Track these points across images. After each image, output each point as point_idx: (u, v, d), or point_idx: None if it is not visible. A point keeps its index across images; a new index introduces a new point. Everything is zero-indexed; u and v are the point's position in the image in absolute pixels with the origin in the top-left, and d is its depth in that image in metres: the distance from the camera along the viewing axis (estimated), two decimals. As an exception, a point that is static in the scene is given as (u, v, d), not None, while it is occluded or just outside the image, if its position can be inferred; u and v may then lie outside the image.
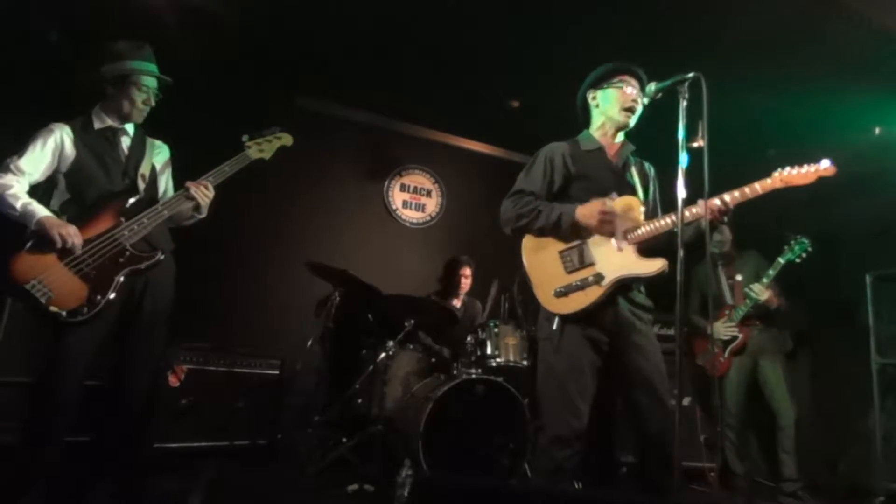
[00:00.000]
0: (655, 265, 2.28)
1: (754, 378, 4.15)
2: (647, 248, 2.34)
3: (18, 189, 2.36)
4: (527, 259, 2.46)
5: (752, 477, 4.23)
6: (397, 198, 5.55)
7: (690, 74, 2.13)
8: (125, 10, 3.76)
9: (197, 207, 2.68)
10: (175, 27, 3.91)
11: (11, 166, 2.38)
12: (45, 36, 3.95)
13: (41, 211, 2.34)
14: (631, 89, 2.49)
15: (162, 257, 2.51)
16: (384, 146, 5.53)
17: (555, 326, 2.34)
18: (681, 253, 2.04)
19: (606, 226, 2.31)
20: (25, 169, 2.40)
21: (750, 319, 4.13)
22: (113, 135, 2.62)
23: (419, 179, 5.68)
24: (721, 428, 4.17)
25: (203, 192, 2.61)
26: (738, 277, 4.27)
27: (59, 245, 2.27)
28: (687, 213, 2.22)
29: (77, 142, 2.50)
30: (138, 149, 2.69)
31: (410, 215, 5.57)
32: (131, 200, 2.52)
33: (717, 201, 2.23)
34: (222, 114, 4.54)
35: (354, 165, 5.41)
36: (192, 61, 4.01)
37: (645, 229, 2.32)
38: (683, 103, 2.14)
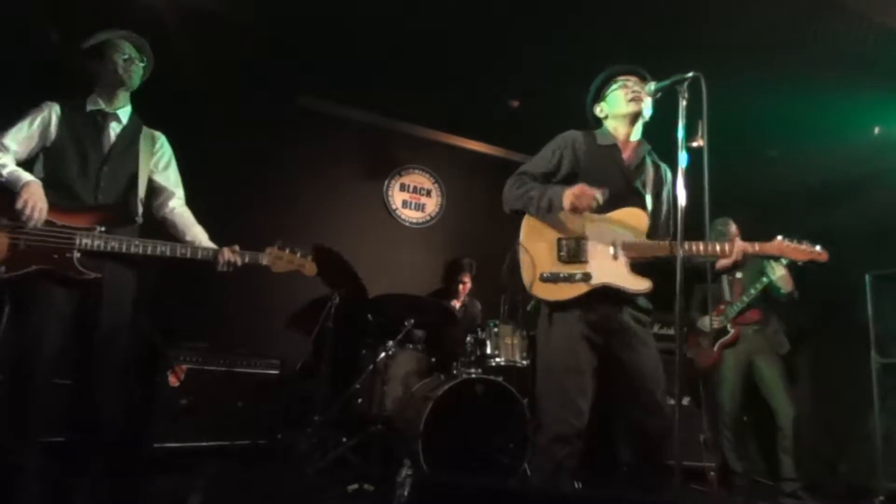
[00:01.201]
0: (642, 284, 2.30)
1: (751, 378, 4.15)
2: (642, 263, 2.35)
3: (5, 160, 2.32)
4: (524, 237, 2.43)
5: (751, 476, 4.23)
6: (397, 197, 5.55)
7: (690, 74, 2.12)
8: (126, 11, 3.76)
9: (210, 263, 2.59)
10: (176, 28, 3.92)
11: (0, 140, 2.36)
12: (45, 37, 3.95)
13: (29, 176, 2.30)
14: (630, 83, 2.47)
15: (97, 277, 2.36)
16: (384, 146, 5.53)
17: (541, 316, 2.39)
18: (680, 253, 2.05)
19: (578, 206, 2.26)
20: (9, 146, 2.36)
21: (743, 316, 4.12)
22: (103, 118, 2.55)
23: (419, 179, 5.68)
24: (721, 427, 4.16)
25: (230, 260, 2.57)
26: (738, 275, 4.27)
27: (20, 207, 2.21)
28: (688, 248, 2.27)
29: (63, 121, 2.45)
30: (126, 138, 2.58)
31: (410, 215, 5.57)
32: (120, 216, 2.48)
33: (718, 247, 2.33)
34: (223, 114, 4.56)
35: (354, 165, 5.41)
36: (193, 61, 4.03)
37: (643, 248, 2.32)
38: (683, 103, 2.14)
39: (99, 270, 2.38)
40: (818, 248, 2.38)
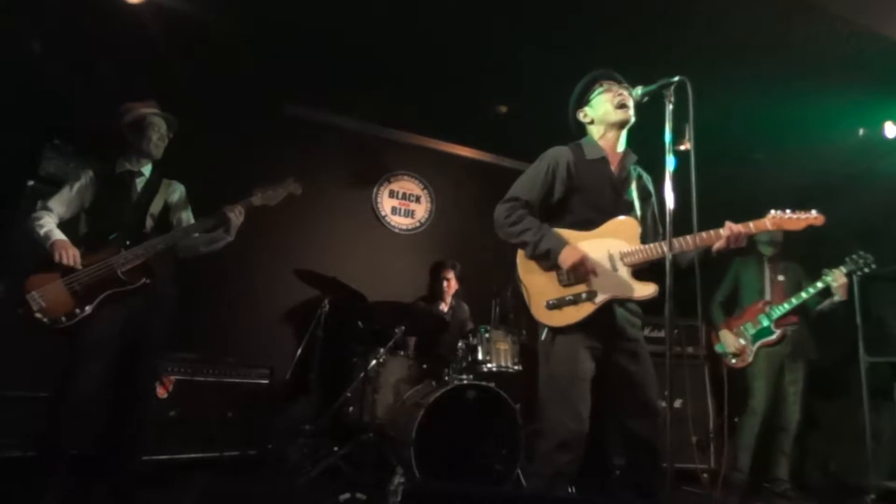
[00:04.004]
0: (648, 289, 2.30)
1: (780, 377, 4.15)
2: (641, 268, 2.35)
3: (46, 220, 2.78)
4: (521, 268, 2.45)
5: (750, 477, 4.23)
6: (386, 204, 5.53)
7: (676, 78, 2.14)
8: (114, 21, 3.74)
9: (227, 230, 3.03)
10: (164, 38, 3.90)
11: (46, 204, 2.84)
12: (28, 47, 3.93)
13: (56, 235, 2.74)
14: (615, 88, 2.49)
15: (146, 282, 2.80)
16: (372, 152, 5.52)
17: (543, 336, 2.36)
18: (669, 256, 2.05)
19: (579, 276, 2.32)
20: (54, 208, 2.84)
21: (786, 318, 4.11)
22: (130, 177, 2.99)
23: (408, 185, 5.67)
24: (747, 429, 4.14)
25: (237, 212, 2.99)
26: (781, 278, 4.26)
27: (56, 260, 2.63)
28: (680, 244, 2.27)
29: (98, 184, 2.92)
30: (150, 188, 3.03)
31: (399, 222, 5.55)
32: (133, 234, 2.85)
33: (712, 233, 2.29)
34: (211, 122, 4.54)
35: (342, 172, 5.39)
36: (181, 70, 4.01)
37: (641, 254, 2.33)
38: (669, 107, 2.15)
39: (141, 276, 2.79)
40: (813, 212, 2.34)
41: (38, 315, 2.58)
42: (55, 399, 2.63)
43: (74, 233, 2.84)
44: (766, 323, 4.15)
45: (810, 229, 2.37)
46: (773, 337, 4.12)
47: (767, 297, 4.26)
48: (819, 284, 3.98)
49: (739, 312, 4.32)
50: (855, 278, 4.02)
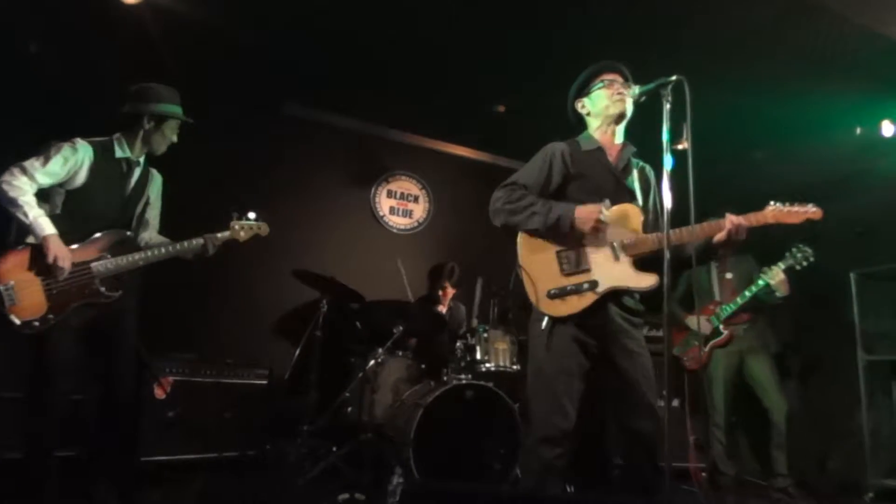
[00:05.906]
0: (648, 280, 2.30)
1: (742, 376, 4.16)
2: (642, 258, 2.35)
3: (31, 197, 2.50)
4: (523, 255, 2.41)
5: (741, 476, 4.24)
6: (384, 204, 5.53)
7: (673, 77, 2.14)
8: (110, 17, 3.74)
9: (196, 258, 2.92)
10: (162, 36, 3.89)
11: (31, 172, 2.51)
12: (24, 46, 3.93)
13: (50, 228, 2.48)
14: (616, 84, 2.48)
15: (118, 294, 2.66)
16: (370, 152, 5.51)
17: (543, 326, 2.32)
18: (667, 254, 2.05)
19: (597, 233, 2.32)
20: (40, 180, 2.53)
21: (736, 317, 4.13)
22: (128, 167, 2.81)
23: (406, 185, 5.67)
24: (712, 428, 4.17)
25: (216, 244, 2.93)
26: (728, 276, 4.28)
27: (49, 261, 2.44)
28: (680, 235, 2.27)
29: (94, 166, 2.66)
30: (142, 183, 2.88)
31: (398, 221, 5.55)
32: (118, 237, 2.73)
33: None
34: (209, 121, 4.52)
35: (341, 172, 5.39)
36: (179, 70, 4.00)
37: (643, 244, 2.33)
38: (667, 106, 2.15)
39: (117, 288, 2.67)
40: (811, 206, 2.32)
41: (11, 315, 2.39)
42: (32, 406, 2.53)
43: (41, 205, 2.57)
44: (716, 324, 4.16)
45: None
46: (722, 338, 4.14)
47: (717, 297, 4.28)
48: (760, 283, 3.97)
49: (696, 313, 4.32)
50: (852, 278, 4.03)
